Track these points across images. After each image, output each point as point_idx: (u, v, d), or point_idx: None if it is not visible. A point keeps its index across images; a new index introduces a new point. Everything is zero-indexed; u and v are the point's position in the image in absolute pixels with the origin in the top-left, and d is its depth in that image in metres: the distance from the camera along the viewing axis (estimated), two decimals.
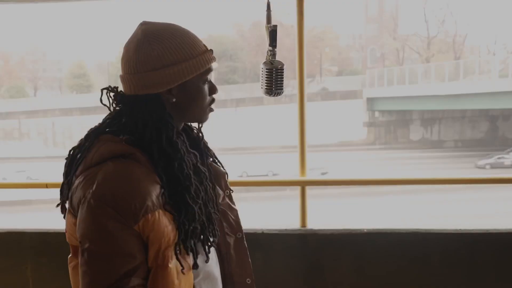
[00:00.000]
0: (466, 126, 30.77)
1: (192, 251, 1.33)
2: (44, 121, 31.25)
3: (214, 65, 1.40)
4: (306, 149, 2.82)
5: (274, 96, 1.84)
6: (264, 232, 2.74)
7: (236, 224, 1.53)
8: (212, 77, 1.43)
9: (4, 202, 21.76)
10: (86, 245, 1.25)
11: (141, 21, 1.37)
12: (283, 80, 1.83)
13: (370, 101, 29.90)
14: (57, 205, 1.43)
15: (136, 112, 1.33)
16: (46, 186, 3.01)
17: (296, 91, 2.82)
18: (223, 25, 42.09)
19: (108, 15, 41.06)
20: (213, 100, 1.43)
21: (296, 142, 2.80)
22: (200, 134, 1.52)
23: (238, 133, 29.12)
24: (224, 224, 1.52)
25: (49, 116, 31.35)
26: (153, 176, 1.29)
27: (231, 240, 1.51)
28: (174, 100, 1.35)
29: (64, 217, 1.42)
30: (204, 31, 40.36)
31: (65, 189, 1.38)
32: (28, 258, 2.92)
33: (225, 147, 28.04)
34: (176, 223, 1.30)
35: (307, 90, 2.99)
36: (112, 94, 1.39)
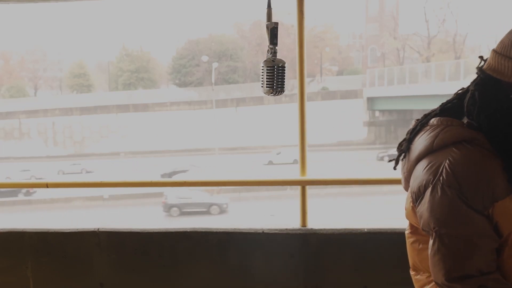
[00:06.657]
0: None
1: None
2: (44, 121, 31.22)
3: None
4: (307, 148, 2.82)
5: (276, 94, 1.80)
6: (264, 232, 2.73)
7: None
8: None
9: (4, 202, 21.77)
10: (442, 230, 1.28)
11: None
12: (284, 78, 1.80)
13: (371, 100, 29.88)
14: (394, 162, 1.55)
15: (477, 92, 1.35)
16: (47, 186, 3.00)
17: (296, 90, 2.81)
18: (223, 24, 42.08)
19: (108, 15, 41.03)
20: None
21: (297, 141, 2.79)
22: None
23: (238, 132, 29.08)
24: None
25: (49, 116, 31.34)
26: (498, 161, 1.28)
27: None
28: (511, 95, 1.31)
29: (394, 168, 1.56)
30: (204, 30, 40.38)
31: (405, 147, 1.50)
32: (28, 258, 2.91)
33: (226, 147, 28.04)
34: None
35: (308, 90, 2.98)
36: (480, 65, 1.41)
